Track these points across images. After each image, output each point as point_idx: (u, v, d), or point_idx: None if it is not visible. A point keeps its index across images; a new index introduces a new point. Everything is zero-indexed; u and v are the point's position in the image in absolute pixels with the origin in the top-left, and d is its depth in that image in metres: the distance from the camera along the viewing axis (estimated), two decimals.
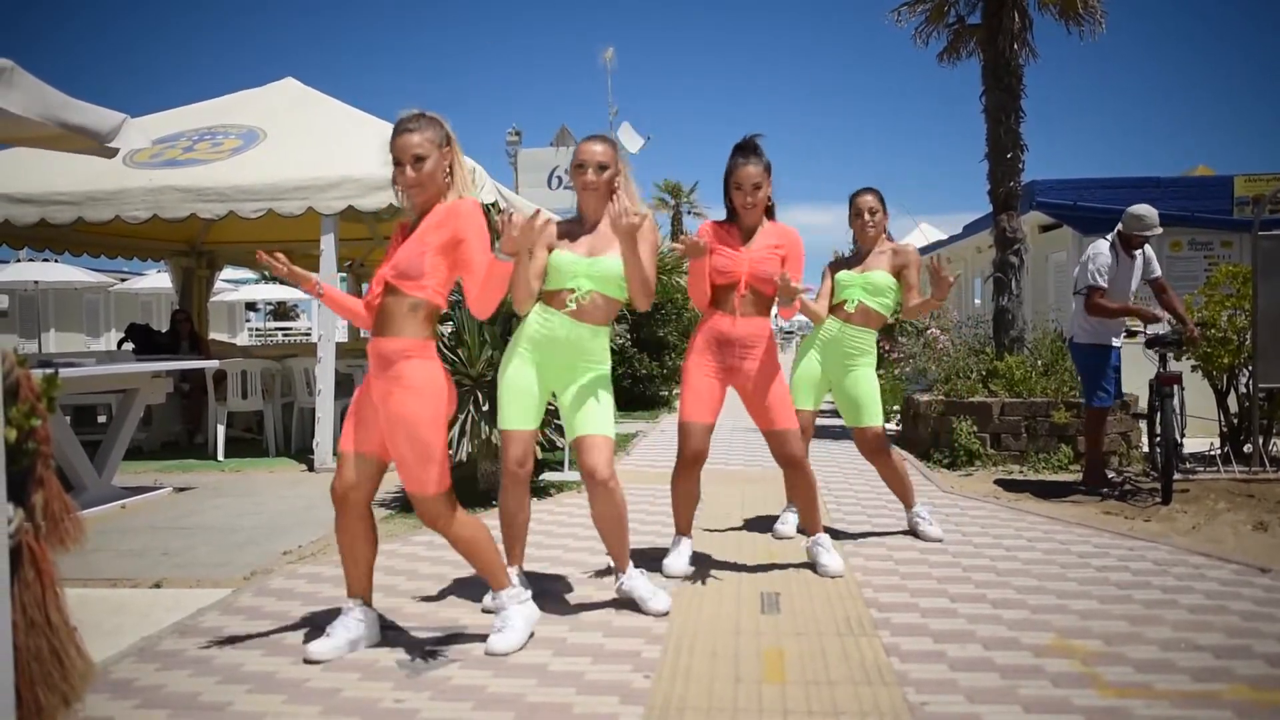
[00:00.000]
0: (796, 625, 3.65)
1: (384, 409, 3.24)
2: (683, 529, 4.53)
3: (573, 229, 3.86)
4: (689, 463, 4.33)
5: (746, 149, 4.25)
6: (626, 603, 3.90)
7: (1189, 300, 7.38)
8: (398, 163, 3.27)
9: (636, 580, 3.87)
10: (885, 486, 5.31)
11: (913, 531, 5.13)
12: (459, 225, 3.24)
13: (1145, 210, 6.28)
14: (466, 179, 3.37)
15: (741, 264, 4.21)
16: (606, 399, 3.78)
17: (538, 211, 3.34)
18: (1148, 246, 6.42)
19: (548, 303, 3.79)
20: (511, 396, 3.80)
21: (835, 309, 5.06)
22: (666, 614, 3.77)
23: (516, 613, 3.44)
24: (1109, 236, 6.43)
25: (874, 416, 4.95)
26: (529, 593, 3.57)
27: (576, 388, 3.76)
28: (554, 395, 3.89)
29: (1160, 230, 6.36)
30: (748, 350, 4.23)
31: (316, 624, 3.72)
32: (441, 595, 4.09)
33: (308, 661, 3.29)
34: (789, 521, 5.17)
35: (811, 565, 4.45)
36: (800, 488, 4.40)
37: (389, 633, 3.61)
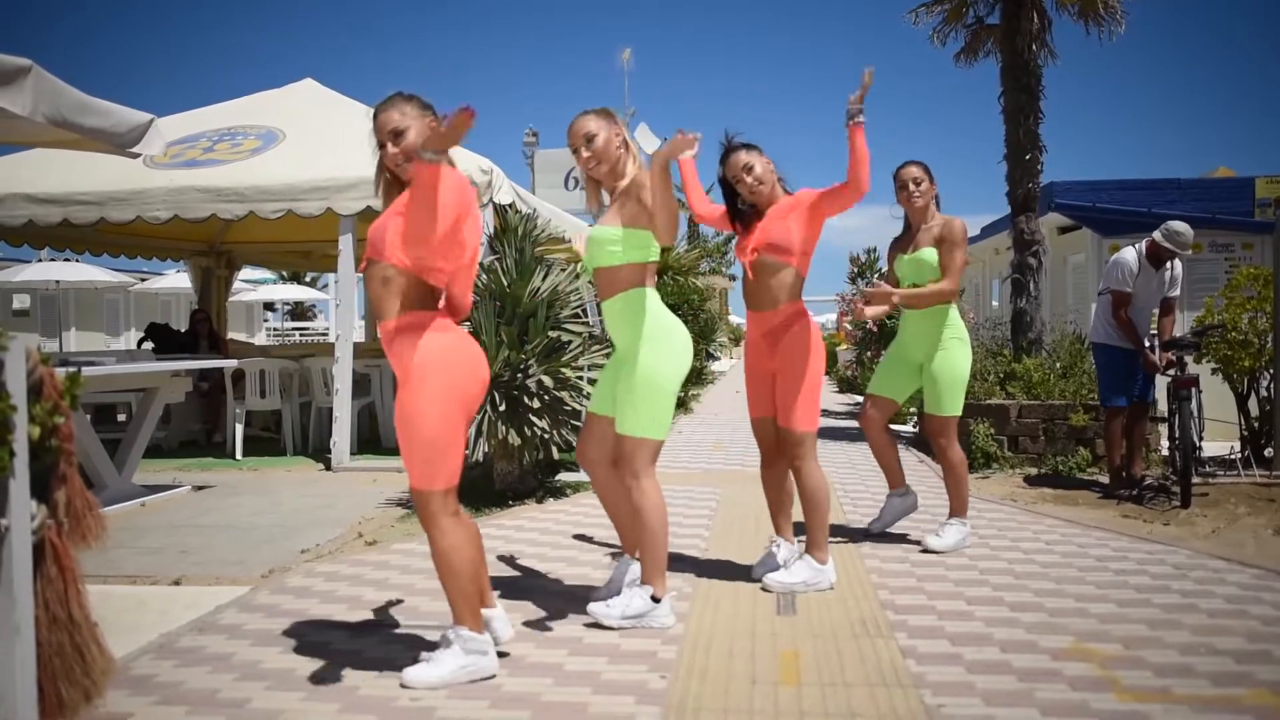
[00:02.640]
0: (812, 627, 3.64)
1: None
2: (778, 529, 4.43)
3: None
4: (763, 457, 4.40)
5: (726, 147, 4.24)
6: None
7: (1209, 302, 7.34)
8: (381, 145, 3.16)
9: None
10: None
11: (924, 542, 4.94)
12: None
13: (1184, 228, 6.21)
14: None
15: (754, 232, 4.17)
16: (637, 392, 3.60)
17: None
18: (1177, 264, 6.38)
19: None
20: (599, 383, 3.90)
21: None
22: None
23: (457, 654, 3.10)
24: (1137, 246, 6.40)
25: (939, 405, 4.87)
26: (492, 646, 3.17)
27: (620, 378, 3.71)
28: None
29: (1189, 252, 6.35)
30: (775, 343, 4.17)
31: (335, 622, 3.74)
32: None
33: (404, 686, 3.07)
34: (945, 534, 4.88)
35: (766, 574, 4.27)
36: (798, 491, 4.24)
37: (405, 631, 3.63)
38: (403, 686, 3.07)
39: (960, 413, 4.94)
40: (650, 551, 3.65)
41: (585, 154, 3.65)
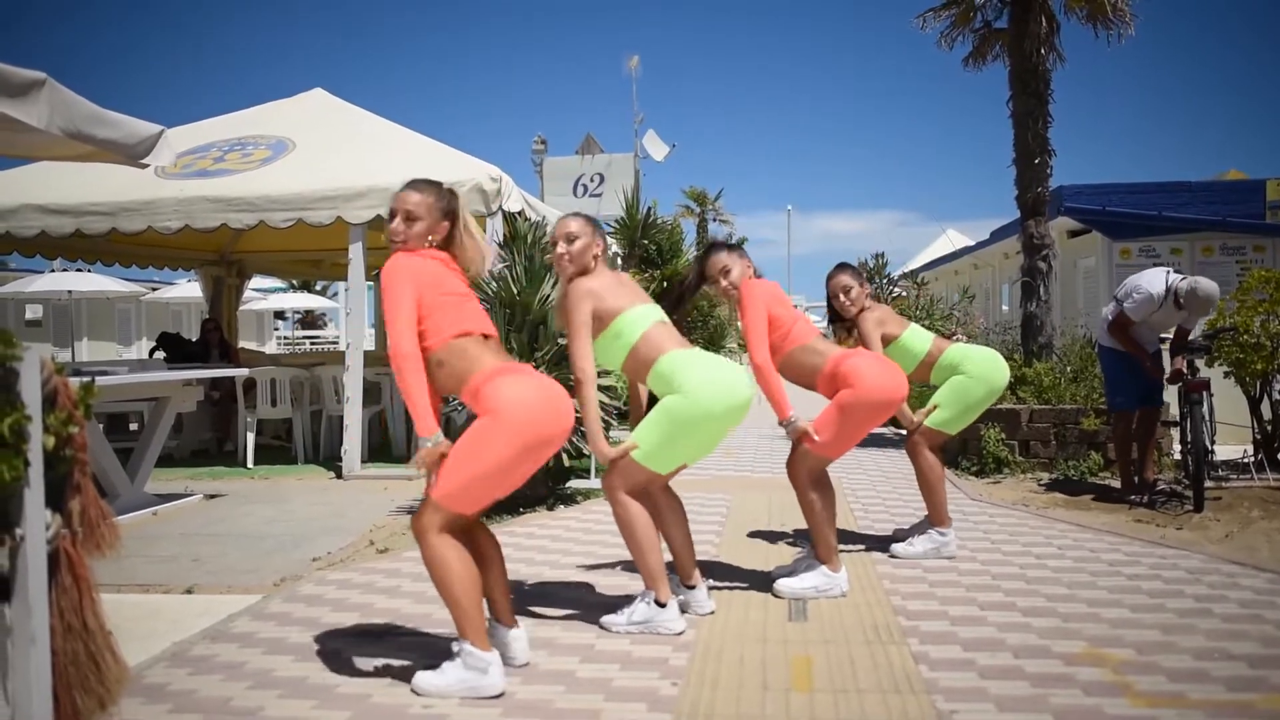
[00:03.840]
0: (824, 633, 3.64)
1: None
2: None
3: None
4: None
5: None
6: None
7: (1221, 305, 7.30)
8: (392, 214, 3.23)
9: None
10: (914, 492, 5.24)
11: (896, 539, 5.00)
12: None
13: (1211, 294, 6.07)
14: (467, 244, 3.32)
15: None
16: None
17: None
18: None
19: None
20: None
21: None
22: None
23: (458, 668, 3.08)
24: (1169, 281, 6.22)
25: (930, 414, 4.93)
26: (496, 664, 3.09)
27: None
28: None
29: (1212, 313, 6.37)
30: None
31: (347, 630, 3.75)
32: None
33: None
34: (915, 543, 4.87)
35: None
36: (800, 504, 4.25)
37: (417, 638, 3.63)
38: (413, 691, 3.08)
39: (949, 433, 5.00)
40: (642, 559, 3.67)
41: (562, 250, 3.74)
